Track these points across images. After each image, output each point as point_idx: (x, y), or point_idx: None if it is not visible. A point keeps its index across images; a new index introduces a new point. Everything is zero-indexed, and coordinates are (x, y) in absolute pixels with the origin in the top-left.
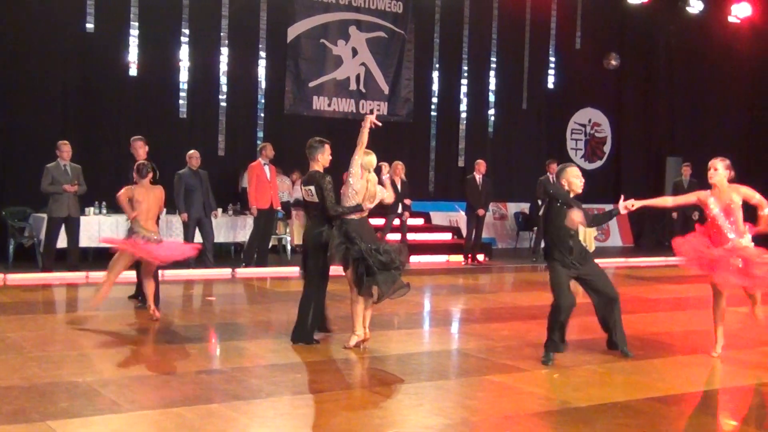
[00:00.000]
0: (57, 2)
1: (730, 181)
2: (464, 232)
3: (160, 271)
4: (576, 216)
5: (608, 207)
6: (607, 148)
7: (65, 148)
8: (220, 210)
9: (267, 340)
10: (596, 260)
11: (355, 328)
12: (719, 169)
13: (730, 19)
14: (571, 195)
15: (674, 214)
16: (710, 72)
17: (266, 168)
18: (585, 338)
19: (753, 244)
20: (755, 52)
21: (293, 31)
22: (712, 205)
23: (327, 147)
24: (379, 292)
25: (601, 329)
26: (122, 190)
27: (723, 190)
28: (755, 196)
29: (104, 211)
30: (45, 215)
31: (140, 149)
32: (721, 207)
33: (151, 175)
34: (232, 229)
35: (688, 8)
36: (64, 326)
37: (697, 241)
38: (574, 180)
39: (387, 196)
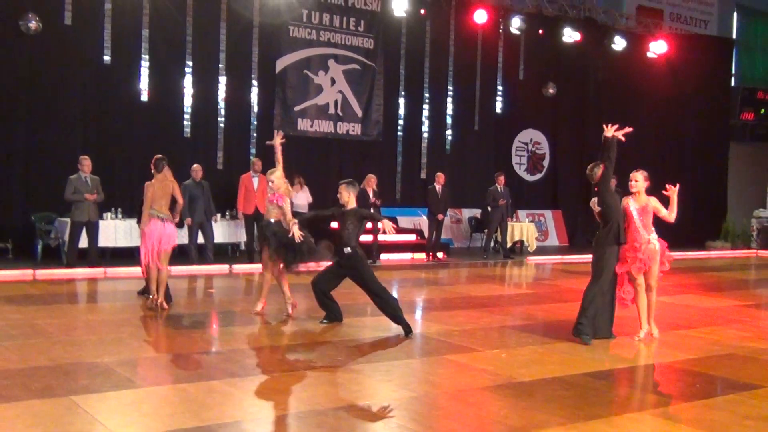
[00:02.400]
0: (79, 38)
1: (647, 190)
2: (426, 234)
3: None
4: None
5: (547, 213)
6: (546, 163)
7: (86, 162)
8: (219, 215)
9: (260, 325)
10: (537, 257)
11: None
12: (639, 180)
13: (649, 54)
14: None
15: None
16: (632, 98)
17: (255, 179)
18: (528, 323)
19: (657, 241)
20: (669, 81)
21: (281, 63)
22: (632, 207)
23: None
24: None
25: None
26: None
27: (641, 196)
28: (661, 211)
29: (119, 216)
30: (68, 219)
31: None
32: (638, 209)
33: (166, 168)
34: (229, 231)
35: (613, 45)
36: (85, 314)
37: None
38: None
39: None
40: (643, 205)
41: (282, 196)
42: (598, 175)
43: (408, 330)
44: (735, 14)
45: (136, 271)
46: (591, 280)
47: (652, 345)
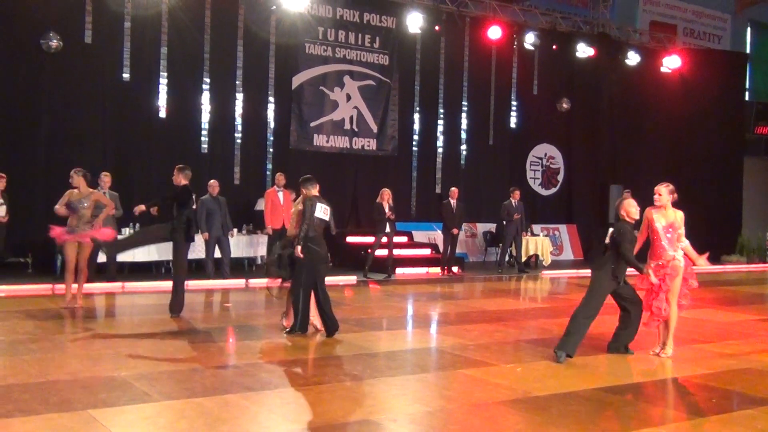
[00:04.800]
0: (99, 56)
1: (674, 203)
2: (441, 248)
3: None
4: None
5: (562, 227)
6: (560, 177)
7: (106, 179)
8: (235, 230)
9: (276, 340)
10: (553, 271)
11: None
12: (663, 194)
13: (662, 69)
14: (630, 221)
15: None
16: (645, 113)
17: (280, 193)
18: (543, 338)
19: (682, 259)
20: (683, 96)
21: (297, 80)
22: (658, 223)
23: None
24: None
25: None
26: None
27: (668, 211)
28: (682, 227)
29: None
30: None
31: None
32: (664, 225)
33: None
34: (246, 246)
35: (627, 61)
36: (103, 328)
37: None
38: (631, 209)
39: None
40: (671, 221)
41: None
42: (620, 214)
43: (330, 329)
44: (748, 29)
45: (153, 285)
46: (582, 301)
47: (668, 360)
